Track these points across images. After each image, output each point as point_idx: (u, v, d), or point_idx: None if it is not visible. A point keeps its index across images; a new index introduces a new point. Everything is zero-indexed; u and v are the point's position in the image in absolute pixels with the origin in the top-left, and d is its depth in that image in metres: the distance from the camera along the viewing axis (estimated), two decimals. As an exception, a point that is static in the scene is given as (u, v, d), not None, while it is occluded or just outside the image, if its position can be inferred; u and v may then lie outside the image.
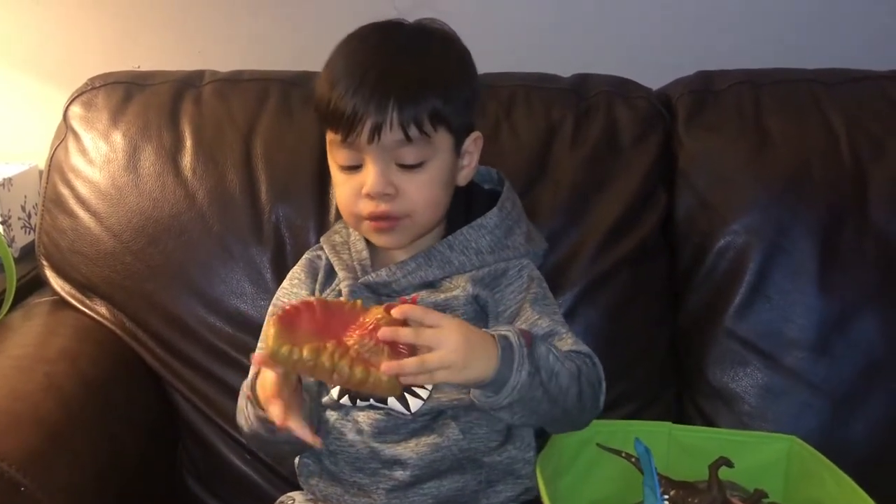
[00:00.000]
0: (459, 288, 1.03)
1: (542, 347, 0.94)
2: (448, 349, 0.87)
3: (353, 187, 1.01)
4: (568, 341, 1.01)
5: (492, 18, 1.50)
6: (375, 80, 0.96)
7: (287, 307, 0.89)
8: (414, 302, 1.03)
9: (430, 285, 1.05)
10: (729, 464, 1.03)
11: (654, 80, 1.36)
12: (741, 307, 1.22)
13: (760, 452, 1.09)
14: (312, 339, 0.86)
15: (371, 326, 0.87)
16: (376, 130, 0.96)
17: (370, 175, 0.99)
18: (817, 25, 1.51)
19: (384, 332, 0.86)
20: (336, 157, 1.02)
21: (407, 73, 0.98)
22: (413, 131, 0.97)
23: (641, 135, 1.28)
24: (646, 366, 1.25)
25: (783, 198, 1.23)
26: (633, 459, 1.06)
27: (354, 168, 1.00)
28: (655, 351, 1.26)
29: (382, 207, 1.00)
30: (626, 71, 1.36)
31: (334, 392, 1.04)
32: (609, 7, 1.52)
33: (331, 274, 1.09)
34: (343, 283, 1.06)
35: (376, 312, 0.88)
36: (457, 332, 0.88)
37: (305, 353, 0.84)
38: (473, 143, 1.06)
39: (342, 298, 1.03)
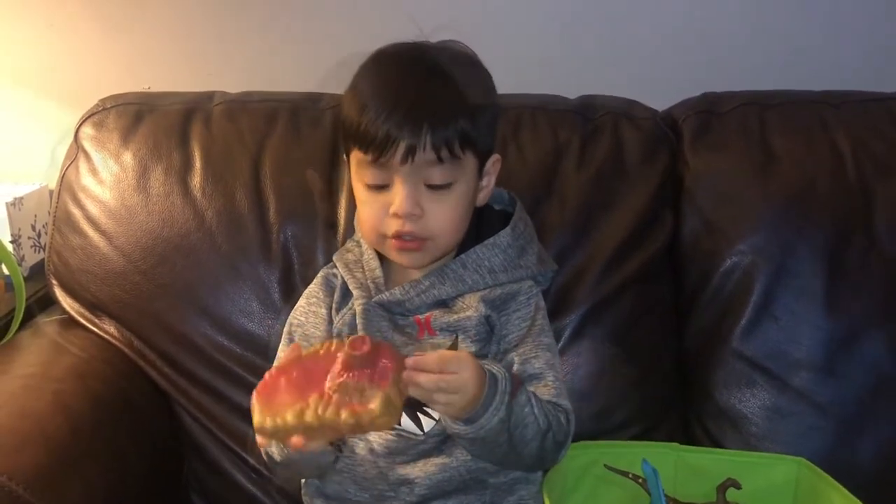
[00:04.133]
0: (472, 308, 1.04)
1: (523, 397, 0.95)
2: (463, 392, 0.89)
3: (380, 206, 1.01)
4: (551, 390, 1.01)
5: (499, 40, 1.51)
6: (409, 104, 0.97)
7: (265, 378, 0.88)
8: (427, 321, 1.04)
9: (443, 304, 1.06)
10: (737, 485, 1.03)
11: (659, 101, 1.37)
12: (748, 327, 1.22)
13: (768, 474, 1.09)
14: (297, 400, 0.85)
15: (339, 368, 0.85)
16: (410, 153, 0.97)
17: (399, 195, 0.99)
18: (823, 47, 1.51)
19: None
20: (364, 177, 1.02)
21: (438, 97, 0.98)
22: (445, 153, 0.98)
23: (647, 156, 1.29)
24: (652, 386, 1.25)
25: (789, 218, 1.23)
26: (640, 480, 1.05)
27: (382, 187, 1.01)
28: (662, 371, 1.26)
29: (408, 227, 1.00)
30: (632, 92, 1.37)
31: None
32: (615, 29, 1.53)
33: (346, 293, 1.09)
34: (356, 301, 1.06)
35: (339, 348, 0.86)
36: (473, 378, 0.89)
37: (289, 418, 0.84)
38: (493, 165, 1.07)
39: (327, 343, 0.91)
